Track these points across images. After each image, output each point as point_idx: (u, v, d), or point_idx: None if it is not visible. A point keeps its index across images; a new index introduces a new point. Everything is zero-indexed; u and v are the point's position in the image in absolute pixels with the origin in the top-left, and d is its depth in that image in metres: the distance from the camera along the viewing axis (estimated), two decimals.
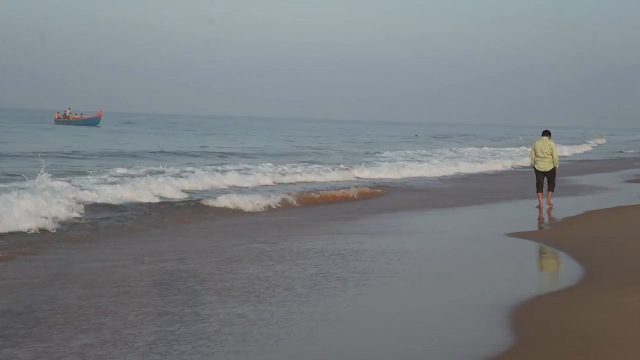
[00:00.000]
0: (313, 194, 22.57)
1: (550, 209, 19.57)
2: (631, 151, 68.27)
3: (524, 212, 19.36)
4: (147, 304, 8.97)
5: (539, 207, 19.88)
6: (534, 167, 20.64)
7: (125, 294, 9.49)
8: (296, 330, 7.96)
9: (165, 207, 18.41)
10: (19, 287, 9.88)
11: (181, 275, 10.65)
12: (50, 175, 19.66)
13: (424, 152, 54.02)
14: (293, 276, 10.67)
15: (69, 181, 21.05)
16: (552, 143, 20.49)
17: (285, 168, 31.38)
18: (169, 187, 21.64)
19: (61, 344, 7.37)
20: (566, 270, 11.21)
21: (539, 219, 18.15)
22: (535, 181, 20.78)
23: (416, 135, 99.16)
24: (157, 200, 19.59)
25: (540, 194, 20.41)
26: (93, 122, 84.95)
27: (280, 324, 8.17)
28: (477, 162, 42.14)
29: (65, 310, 8.64)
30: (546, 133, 20.61)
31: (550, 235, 14.76)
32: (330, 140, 75.19)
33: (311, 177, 29.23)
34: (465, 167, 38.14)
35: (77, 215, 16.23)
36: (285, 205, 20.37)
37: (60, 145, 44.98)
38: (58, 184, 19.25)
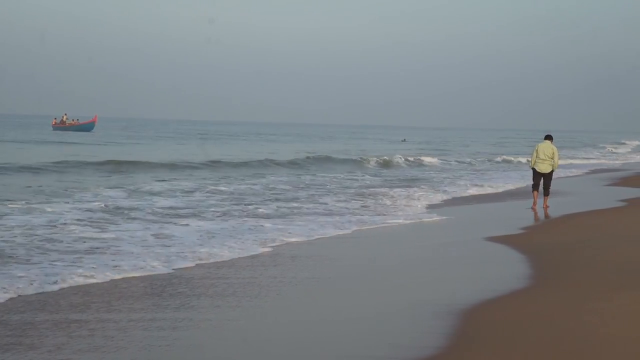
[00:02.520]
0: None
1: (546, 208, 20.46)
2: None
3: (515, 214, 19.55)
4: (139, 310, 8.99)
5: (533, 206, 20.88)
6: (533, 168, 21.50)
7: (117, 300, 9.51)
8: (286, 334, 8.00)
9: None
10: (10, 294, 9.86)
11: (172, 281, 10.67)
12: None
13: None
14: (285, 281, 10.73)
15: None
16: (554, 147, 21.42)
17: None
18: None
19: (53, 350, 7.39)
20: (548, 275, 11.05)
21: (534, 218, 19.02)
22: (532, 181, 21.54)
23: (404, 139, 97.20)
24: None
25: (536, 192, 21.31)
26: (88, 127, 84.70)
27: (272, 329, 8.21)
28: None
29: (58, 316, 8.65)
30: (549, 137, 21.60)
31: (530, 239, 14.83)
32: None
33: None
34: None
35: None
36: None
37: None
38: None
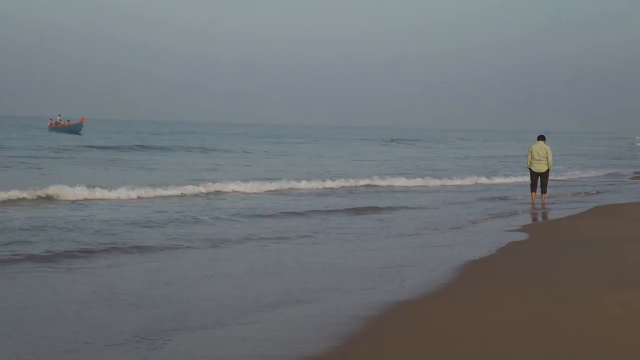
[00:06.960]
0: None
1: (544, 206, 21.57)
2: None
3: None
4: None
5: (531, 204, 22.01)
6: (529, 168, 22.38)
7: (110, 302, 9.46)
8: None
9: None
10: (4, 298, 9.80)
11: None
12: None
13: None
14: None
15: None
16: (547, 147, 22.18)
17: None
18: None
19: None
20: (540, 276, 11.04)
21: (532, 216, 20.01)
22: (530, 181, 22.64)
23: (392, 140, 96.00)
24: None
25: (534, 193, 22.29)
26: (76, 128, 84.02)
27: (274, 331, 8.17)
28: None
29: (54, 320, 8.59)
30: (541, 138, 22.36)
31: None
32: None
33: None
34: None
35: None
36: None
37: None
38: None
